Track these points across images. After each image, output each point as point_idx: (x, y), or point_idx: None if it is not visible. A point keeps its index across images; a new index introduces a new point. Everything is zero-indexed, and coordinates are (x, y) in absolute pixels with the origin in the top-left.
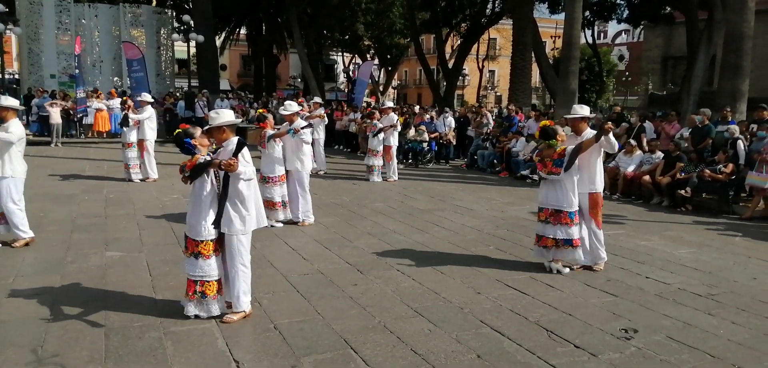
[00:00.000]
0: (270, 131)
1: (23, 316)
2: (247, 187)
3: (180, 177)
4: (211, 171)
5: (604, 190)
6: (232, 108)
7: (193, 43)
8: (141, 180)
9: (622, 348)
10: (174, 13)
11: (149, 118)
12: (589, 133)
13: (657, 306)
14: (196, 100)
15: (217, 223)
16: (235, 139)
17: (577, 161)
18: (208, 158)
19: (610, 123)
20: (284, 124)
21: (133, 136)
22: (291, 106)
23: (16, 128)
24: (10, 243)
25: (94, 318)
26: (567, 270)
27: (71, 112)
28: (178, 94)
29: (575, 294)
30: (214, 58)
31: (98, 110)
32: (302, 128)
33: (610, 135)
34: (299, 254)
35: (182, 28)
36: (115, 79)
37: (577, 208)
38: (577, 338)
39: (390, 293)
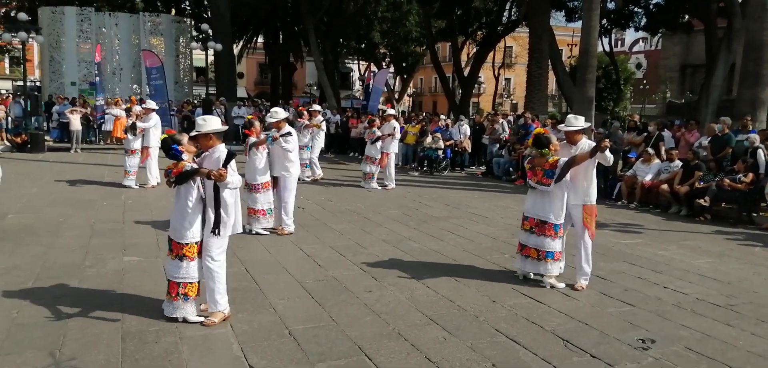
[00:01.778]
0: (253, 139)
1: (42, 319)
2: (230, 195)
3: (166, 181)
4: (197, 178)
5: (621, 200)
6: (250, 115)
7: (211, 52)
8: (140, 186)
9: (640, 359)
10: (193, 22)
11: (154, 125)
12: (584, 144)
13: (675, 316)
14: (213, 108)
15: (216, 229)
16: (221, 146)
17: (568, 174)
18: (195, 166)
19: (607, 140)
20: (272, 130)
21: (137, 144)
22: (277, 113)
23: None
24: None
25: (111, 322)
26: (562, 285)
27: (91, 118)
28: (195, 102)
29: (592, 303)
30: (231, 66)
31: (117, 117)
32: (281, 136)
33: (607, 152)
34: (314, 260)
35: (201, 36)
36: (135, 86)
37: (563, 221)
38: (593, 348)
39: (404, 300)
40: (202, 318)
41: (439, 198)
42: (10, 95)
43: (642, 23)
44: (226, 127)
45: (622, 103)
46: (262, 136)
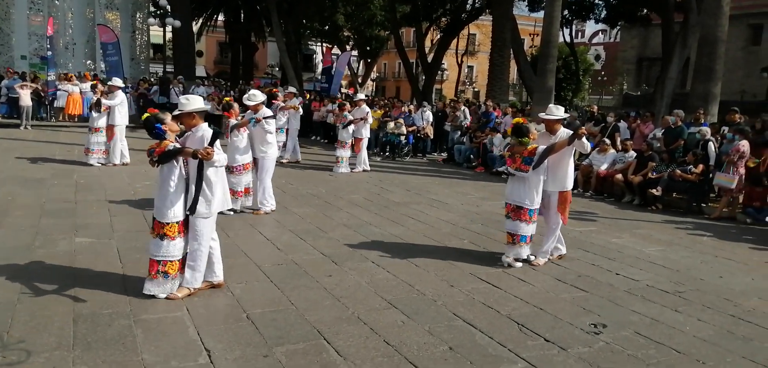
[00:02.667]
0: (233, 121)
1: None
2: (214, 173)
3: (148, 160)
4: (181, 157)
5: (577, 188)
6: (209, 95)
7: (169, 28)
8: (102, 165)
9: (591, 343)
10: None
11: (120, 103)
12: (563, 133)
13: (626, 302)
14: (171, 86)
15: (192, 209)
16: (204, 125)
17: (546, 161)
18: (178, 145)
19: (584, 127)
20: (248, 112)
21: (102, 121)
22: (255, 96)
23: None
24: None
25: (63, 304)
26: (519, 264)
27: (42, 94)
28: (152, 80)
29: (547, 289)
30: (190, 44)
31: (70, 93)
32: (264, 118)
33: (584, 139)
34: (273, 244)
35: (158, 12)
36: (89, 62)
37: (537, 207)
38: (547, 332)
39: (364, 285)
40: (182, 294)
41: (400, 184)
42: None
43: (602, 15)
44: (209, 107)
45: (580, 94)
46: (242, 118)
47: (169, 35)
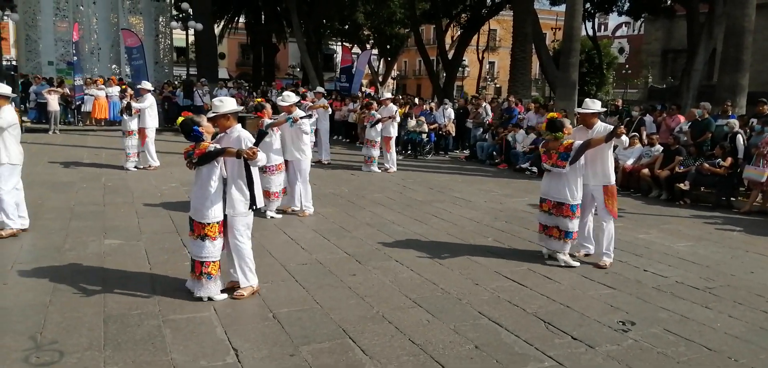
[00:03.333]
0: (267, 120)
1: (22, 303)
2: (254, 172)
3: (185, 163)
4: (221, 158)
5: None
6: (232, 96)
7: (191, 31)
8: (139, 168)
9: (620, 340)
10: (172, 1)
11: (150, 106)
12: (599, 127)
13: (654, 299)
14: (194, 89)
15: (254, 202)
16: (238, 126)
17: (584, 156)
18: (218, 147)
19: (622, 126)
20: (282, 114)
21: (133, 124)
22: (289, 97)
23: (6, 115)
24: None
25: (93, 305)
26: (577, 264)
27: (69, 98)
28: (176, 83)
29: (573, 286)
30: (212, 47)
31: (97, 98)
32: (301, 118)
33: (623, 137)
34: (298, 244)
35: (181, 16)
36: (114, 66)
37: (579, 202)
38: (574, 330)
39: (388, 283)
40: (225, 296)
41: (423, 182)
42: None
43: (625, 7)
44: (243, 108)
45: (604, 88)
46: (278, 117)
47: (191, 38)
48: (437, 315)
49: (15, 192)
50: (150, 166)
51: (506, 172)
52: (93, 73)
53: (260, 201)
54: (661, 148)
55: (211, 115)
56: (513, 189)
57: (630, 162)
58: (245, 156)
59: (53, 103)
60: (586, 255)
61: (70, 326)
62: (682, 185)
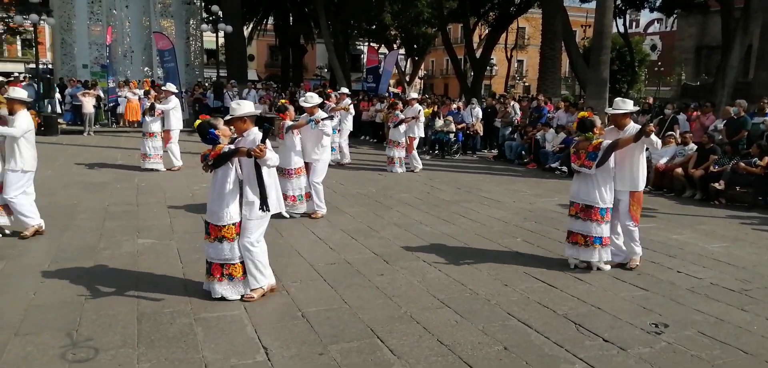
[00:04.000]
0: (289, 122)
1: (58, 301)
2: (267, 174)
3: (201, 166)
4: (235, 159)
5: None
6: (261, 98)
7: (221, 34)
8: (160, 169)
9: (652, 343)
10: (203, 4)
11: (174, 108)
12: (632, 128)
13: (688, 301)
14: (224, 91)
15: (264, 205)
16: (255, 129)
17: (613, 158)
18: (232, 147)
19: (651, 124)
20: (304, 115)
21: (155, 126)
22: (312, 98)
23: (21, 121)
24: (20, 234)
25: (127, 303)
26: (607, 267)
27: (102, 100)
28: (206, 84)
29: (604, 287)
30: (242, 49)
31: (129, 100)
32: (322, 120)
33: (653, 136)
34: (326, 244)
35: (211, 18)
36: (146, 69)
37: (610, 205)
38: (606, 332)
39: (416, 284)
40: (257, 294)
41: (450, 182)
42: (27, 77)
43: (657, 4)
44: (260, 111)
45: (636, 86)
46: (300, 119)
47: (221, 40)
48: (466, 315)
49: (28, 195)
50: (172, 168)
51: (535, 171)
52: (126, 75)
53: (275, 207)
54: (695, 147)
55: (227, 117)
56: (542, 189)
57: (663, 161)
58: (254, 154)
59: (88, 105)
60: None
61: (105, 323)
62: (716, 185)
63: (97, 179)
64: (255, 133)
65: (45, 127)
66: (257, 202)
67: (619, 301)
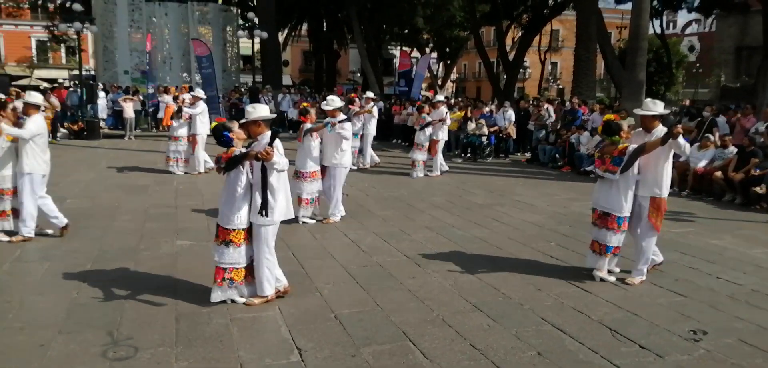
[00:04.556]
0: (308, 125)
1: (100, 300)
2: (276, 179)
3: (215, 168)
4: (247, 163)
5: (672, 187)
6: (295, 103)
7: (257, 40)
8: (184, 173)
9: (691, 350)
10: (239, 11)
11: (201, 113)
12: (660, 131)
13: (728, 307)
14: (260, 96)
15: (263, 210)
16: (269, 133)
17: (638, 163)
18: (244, 150)
19: (679, 126)
20: (328, 118)
21: (182, 131)
22: (333, 101)
23: (31, 124)
24: (9, 238)
25: (165, 303)
26: (612, 278)
27: (144, 104)
28: (242, 89)
29: (641, 293)
30: (277, 54)
31: (168, 105)
32: (340, 122)
33: (680, 138)
34: (358, 246)
35: (247, 25)
36: (184, 74)
37: (627, 215)
38: (642, 338)
39: (448, 287)
40: (243, 299)
41: (482, 185)
42: (73, 83)
43: (695, 4)
44: (275, 115)
45: (674, 88)
46: (318, 123)
47: (257, 46)
48: (498, 320)
49: (36, 201)
50: (196, 172)
51: (570, 174)
52: (165, 81)
53: (284, 213)
54: (735, 150)
55: (242, 120)
56: (577, 192)
57: (702, 164)
58: (261, 156)
59: (129, 110)
60: (655, 266)
61: (144, 322)
62: (758, 189)
63: (138, 182)
64: (268, 137)
65: (88, 131)
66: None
67: (656, 307)
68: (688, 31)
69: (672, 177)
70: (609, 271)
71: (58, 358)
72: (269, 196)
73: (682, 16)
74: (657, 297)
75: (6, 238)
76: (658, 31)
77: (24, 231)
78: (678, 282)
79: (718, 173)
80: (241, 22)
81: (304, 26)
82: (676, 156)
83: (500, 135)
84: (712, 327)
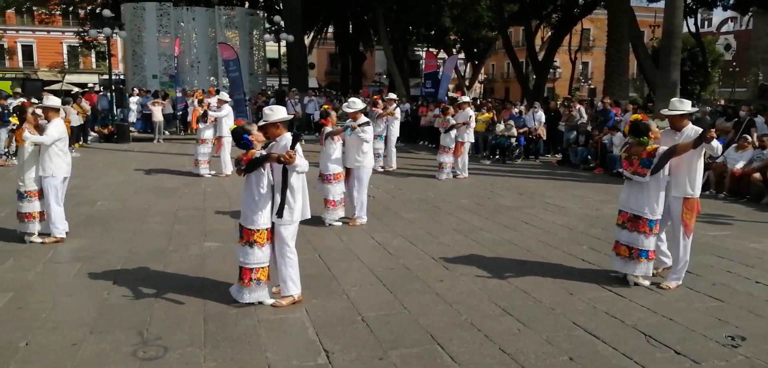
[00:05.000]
0: (328, 128)
1: (130, 300)
2: (296, 180)
3: (235, 170)
4: (267, 165)
5: (709, 189)
6: (321, 106)
7: (283, 43)
8: (212, 175)
9: (728, 357)
10: (265, 14)
11: (227, 116)
12: (689, 131)
13: None
14: (286, 99)
15: (279, 212)
16: (288, 135)
17: (669, 164)
18: (264, 152)
19: (713, 130)
20: (348, 120)
21: (208, 133)
22: (354, 104)
23: (53, 129)
24: (42, 239)
25: (194, 304)
26: (646, 283)
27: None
28: (269, 93)
29: (677, 298)
30: (303, 57)
31: (195, 108)
32: (360, 126)
33: (714, 142)
34: (385, 249)
35: (273, 28)
36: (211, 78)
37: (659, 217)
38: (678, 344)
39: (477, 290)
40: (273, 300)
41: (511, 188)
42: (102, 88)
43: (730, 2)
44: (292, 116)
45: (709, 87)
46: (339, 126)
47: (283, 50)
48: (528, 324)
49: (61, 202)
50: (222, 174)
51: (602, 176)
52: (193, 85)
53: (300, 213)
54: None
55: (261, 123)
56: (609, 194)
57: (740, 166)
58: (283, 159)
59: (157, 113)
60: (664, 269)
61: (174, 323)
62: None
63: (166, 184)
64: (287, 139)
65: (117, 135)
66: (288, 210)
67: (692, 312)
68: (723, 29)
69: (709, 178)
70: (643, 276)
71: (90, 358)
72: (289, 197)
73: (718, 14)
74: (693, 302)
75: (39, 240)
76: (693, 29)
77: (55, 233)
78: (715, 287)
79: (757, 175)
80: (267, 25)
81: (330, 29)
82: (711, 157)
83: (530, 136)
84: (751, 332)
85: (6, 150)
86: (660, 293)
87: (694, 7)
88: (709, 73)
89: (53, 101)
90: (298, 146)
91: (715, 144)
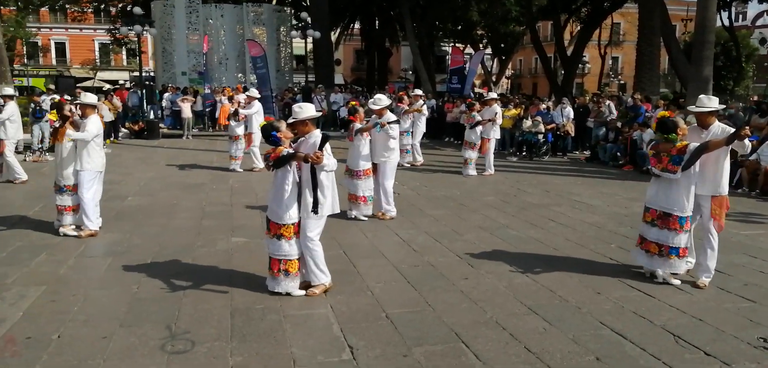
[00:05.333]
0: (358, 125)
1: (159, 295)
2: (325, 177)
3: (264, 165)
4: (293, 162)
5: (742, 187)
6: (346, 102)
7: (309, 39)
8: (244, 171)
9: (760, 358)
10: (292, 11)
11: (257, 112)
12: (717, 127)
13: None
14: (313, 95)
15: (315, 208)
16: (316, 132)
17: (698, 161)
18: (292, 151)
19: (747, 128)
20: (373, 117)
21: (240, 130)
22: (380, 101)
23: (92, 126)
24: (77, 233)
25: (221, 299)
26: (677, 282)
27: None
28: (296, 89)
29: (707, 298)
30: (329, 54)
31: (223, 105)
32: (389, 123)
33: (746, 142)
34: (409, 245)
35: (300, 25)
36: (239, 75)
37: (690, 214)
38: (708, 345)
39: (502, 289)
40: (303, 292)
41: (538, 185)
42: (133, 84)
43: None
44: (321, 113)
45: (743, 82)
46: (366, 123)
47: (310, 46)
48: (555, 323)
49: (96, 196)
50: (254, 169)
51: (632, 173)
52: (221, 81)
53: (330, 208)
54: None
55: (290, 120)
56: (639, 192)
57: None
58: (311, 160)
59: (186, 110)
60: (688, 271)
61: (201, 317)
62: None
63: (195, 180)
64: (316, 136)
65: (148, 131)
66: (312, 204)
67: (722, 313)
68: (758, 22)
69: (742, 176)
70: (673, 274)
71: (120, 350)
72: (319, 194)
73: (753, 7)
74: (724, 302)
75: (74, 233)
76: (726, 23)
77: (89, 226)
78: (747, 287)
79: None
80: (294, 22)
81: (357, 25)
82: (742, 155)
83: (557, 133)
84: None
85: (40, 146)
86: (690, 293)
87: (727, 0)
88: (743, 68)
89: (90, 98)
90: (327, 145)
91: (746, 142)
